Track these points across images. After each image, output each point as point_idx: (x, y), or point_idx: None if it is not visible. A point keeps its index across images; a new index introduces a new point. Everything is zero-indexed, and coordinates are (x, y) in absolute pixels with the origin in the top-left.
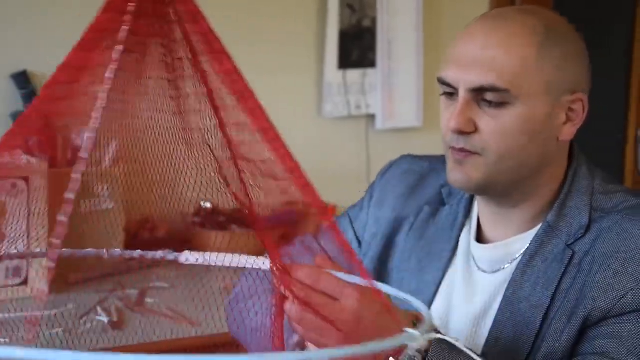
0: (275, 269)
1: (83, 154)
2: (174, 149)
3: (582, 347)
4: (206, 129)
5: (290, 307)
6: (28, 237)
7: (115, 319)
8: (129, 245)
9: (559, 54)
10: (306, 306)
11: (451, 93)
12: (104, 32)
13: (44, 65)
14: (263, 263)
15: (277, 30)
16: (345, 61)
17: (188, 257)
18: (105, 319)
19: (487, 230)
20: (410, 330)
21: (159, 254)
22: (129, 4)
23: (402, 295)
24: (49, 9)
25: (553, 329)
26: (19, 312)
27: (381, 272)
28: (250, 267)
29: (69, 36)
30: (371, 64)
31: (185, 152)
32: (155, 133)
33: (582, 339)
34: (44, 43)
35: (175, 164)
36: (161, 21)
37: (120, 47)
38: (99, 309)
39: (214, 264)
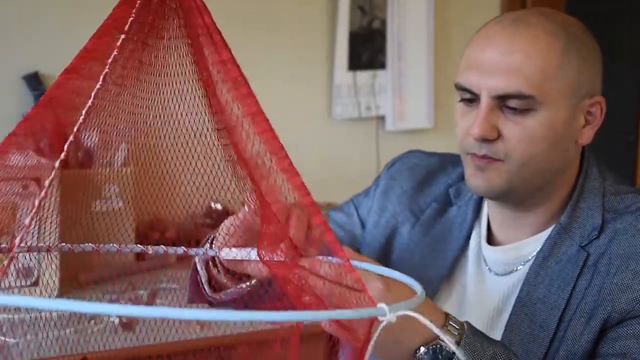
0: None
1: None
2: (184, 149)
3: (602, 348)
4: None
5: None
6: (38, 238)
7: (125, 319)
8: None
9: (580, 57)
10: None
11: (470, 99)
12: (116, 21)
13: (56, 67)
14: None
15: (287, 32)
16: (355, 63)
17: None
18: (115, 320)
19: (498, 233)
20: (382, 304)
21: (198, 250)
22: None
23: (397, 275)
24: (60, 11)
25: (572, 331)
26: (30, 313)
27: (383, 263)
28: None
29: (80, 38)
30: (381, 65)
31: (195, 152)
32: (167, 134)
33: (601, 339)
34: (55, 45)
35: (185, 165)
36: (168, 15)
37: (122, 36)
38: None
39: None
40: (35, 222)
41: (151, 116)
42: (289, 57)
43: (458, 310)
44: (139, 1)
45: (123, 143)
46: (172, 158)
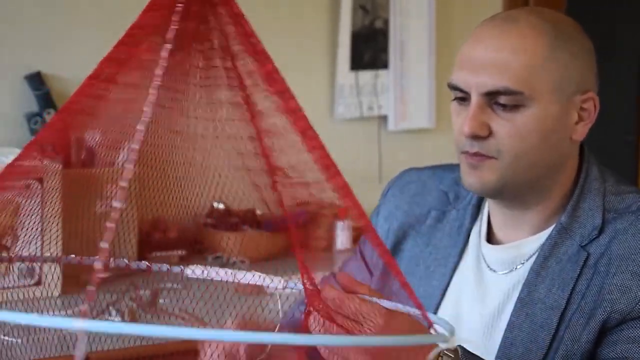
0: (306, 287)
1: (134, 146)
2: (188, 151)
3: (602, 352)
4: (239, 137)
5: (313, 324)
6: (42, 238)
7: (127, 319)
8: (142, 245)
9: (568, 53)
10: (331, 325)
11: (463, 98)
12: (148, 28)
13: (58, 67)
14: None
15: (289, 31)
16: (358, 62)
17: (195, 270)
18: (117, 320)
19: (498, 231)
20: (443, 331)
21: (164, 266)
22: (177, 4)
23: (430, 316)
24: (62, 11)
25: (571, 331)
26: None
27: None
28: (268, 286)
29: (82, 38)
30: (383, 65)
31: (200, 153)
32: (169, 135)
33: (601, 342)
34: (57, 44)
35: (188, 165)
36: (205, 23)
37: (168, 46)
38: (111, 309)
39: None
40: (38, 222)
41: (174, 121)
42: (290, 57)
43: (456, 308)
44: (177, 8)
45: (127, 143)
46: (173, 158)
